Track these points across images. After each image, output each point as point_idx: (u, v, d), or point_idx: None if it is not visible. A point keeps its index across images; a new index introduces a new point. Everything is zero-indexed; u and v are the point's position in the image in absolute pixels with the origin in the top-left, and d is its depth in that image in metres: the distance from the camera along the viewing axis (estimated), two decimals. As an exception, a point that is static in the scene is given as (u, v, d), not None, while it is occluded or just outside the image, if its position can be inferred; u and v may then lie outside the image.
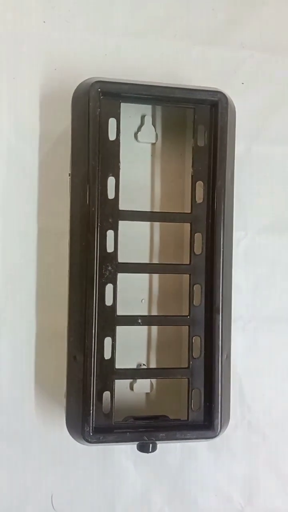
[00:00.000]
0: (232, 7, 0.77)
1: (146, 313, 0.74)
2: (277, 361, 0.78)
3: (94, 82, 0.65)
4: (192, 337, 0.69)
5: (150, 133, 0.74)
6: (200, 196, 0.69)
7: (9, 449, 0.71)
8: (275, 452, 0.78)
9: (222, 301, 0.68)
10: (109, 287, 0.66)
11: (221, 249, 0.68)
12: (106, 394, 0.66)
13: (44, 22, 0.72)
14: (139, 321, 0.68)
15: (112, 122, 0.66)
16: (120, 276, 0.67)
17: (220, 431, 0.68)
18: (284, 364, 0.78)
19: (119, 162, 0.67)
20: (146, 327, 0.74)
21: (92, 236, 0.65)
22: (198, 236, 0.69)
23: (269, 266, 0.78)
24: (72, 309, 0.67)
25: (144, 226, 0.74)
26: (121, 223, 0.67)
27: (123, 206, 0.67)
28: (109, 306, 0.67)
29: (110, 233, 0.66)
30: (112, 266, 0.67)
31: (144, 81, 0.68)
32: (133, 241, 0.72)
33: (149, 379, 0.73)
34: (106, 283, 0.66)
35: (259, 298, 0.78)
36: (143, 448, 0.66)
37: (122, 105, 0.67)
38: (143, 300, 0.74)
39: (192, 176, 0.69)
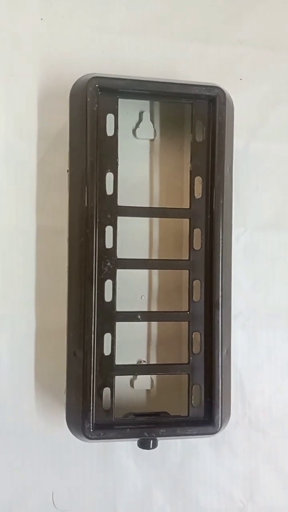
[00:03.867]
0: (229, 4, 0.77)
1: (145, 309, 0.74)
2: (277, 357, 0.78)
3: (91, 78, 0.65)
4: (192, 333, 0.69)
5: (148, 129, 0.73)
6: (199, 192, 0.69)
7: (9, 446, 0.71)
8: (276, 449, 0.78)
9: (222, 296, 0.68)
10: (108, 283, 0.66)
11: (220, 244, 0.68)
12: (106, 391, 0.66)
13: (41, 19, 0.72)
14: (139, 317, 0.68)
15: (110, 118, 0.66)
16: (120, 272, 0.67)
17: (220, 426, 0.68)
18: (284, 360, 0.78)
19: (117, 158, 0.66)
20: (145, 323, 0.73)
21: (91, 232, 0.65)
22: (197, 232, 0.69)
23: (269, 262, 0.78)
24: (71, 305, 0.67)
25: (143, 222, 0.73)
26: (120, 219, 0.67)
27: (121, 202, 0.67)
28: (109, 302, 0.66)
29: (109, 229, 0.66)
30: (111, 262, 0.66)
31: (141, 77, 0.67)
32: (132, 237, 0.72)
33: (149, 376, 0.73)
34: (105, 279, 0.66)
35: (259, 294, 0.78)
36: (143, 445, 0.66)
37: (120, 102, 0.66)
38: (142, 296, 0.74)
39: (190, 171, 0.69)
